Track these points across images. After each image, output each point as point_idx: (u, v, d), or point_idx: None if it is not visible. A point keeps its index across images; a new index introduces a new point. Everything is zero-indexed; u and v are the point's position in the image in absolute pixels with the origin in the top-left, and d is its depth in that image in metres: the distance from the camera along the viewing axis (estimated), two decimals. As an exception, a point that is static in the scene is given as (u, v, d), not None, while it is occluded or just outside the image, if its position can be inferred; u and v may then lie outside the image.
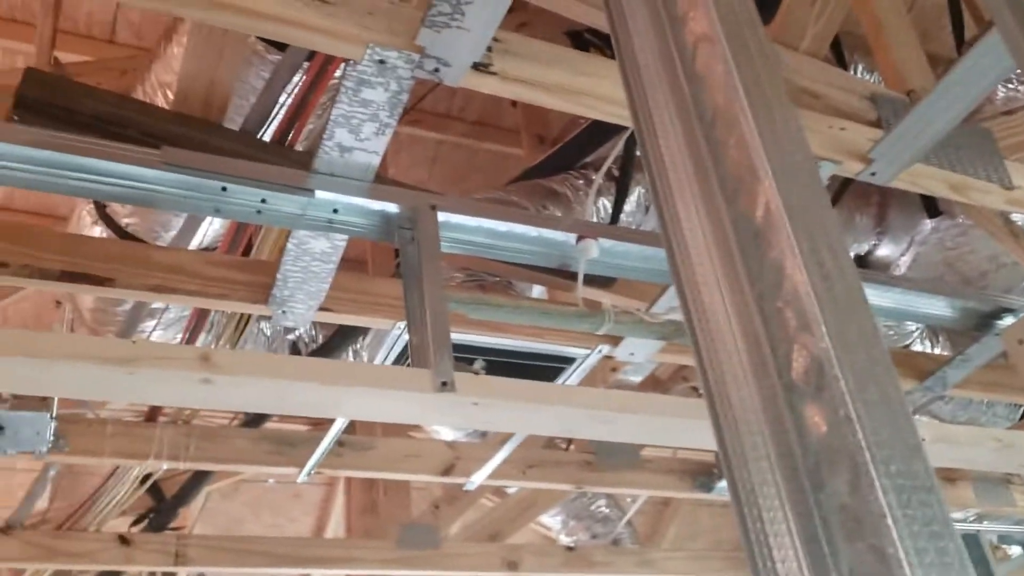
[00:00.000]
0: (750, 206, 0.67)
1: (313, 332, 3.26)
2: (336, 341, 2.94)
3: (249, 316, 2.42)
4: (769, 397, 0.64)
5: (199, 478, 3.35)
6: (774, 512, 0.62)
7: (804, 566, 0.61)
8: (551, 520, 4.15)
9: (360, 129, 1.66)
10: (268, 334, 3.22)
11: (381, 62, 1.54)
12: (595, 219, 2.79)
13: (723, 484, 3.22)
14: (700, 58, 0.73)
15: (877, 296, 2.22)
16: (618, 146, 2.59)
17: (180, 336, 2.72)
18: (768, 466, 0.63)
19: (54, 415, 2.20)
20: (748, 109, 0.68)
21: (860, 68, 3.33)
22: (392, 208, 1.81)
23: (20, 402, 2.14)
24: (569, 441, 3.19)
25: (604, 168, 2.36)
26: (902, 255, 3.35)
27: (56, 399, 2.20)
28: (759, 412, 0.64)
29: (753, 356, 0.66)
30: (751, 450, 0.64)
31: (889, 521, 0.56)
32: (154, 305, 2.62)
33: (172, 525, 3.49)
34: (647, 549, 3.93)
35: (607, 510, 4.14)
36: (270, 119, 2.11)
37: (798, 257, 0.63)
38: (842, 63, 3.16)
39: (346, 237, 1.88)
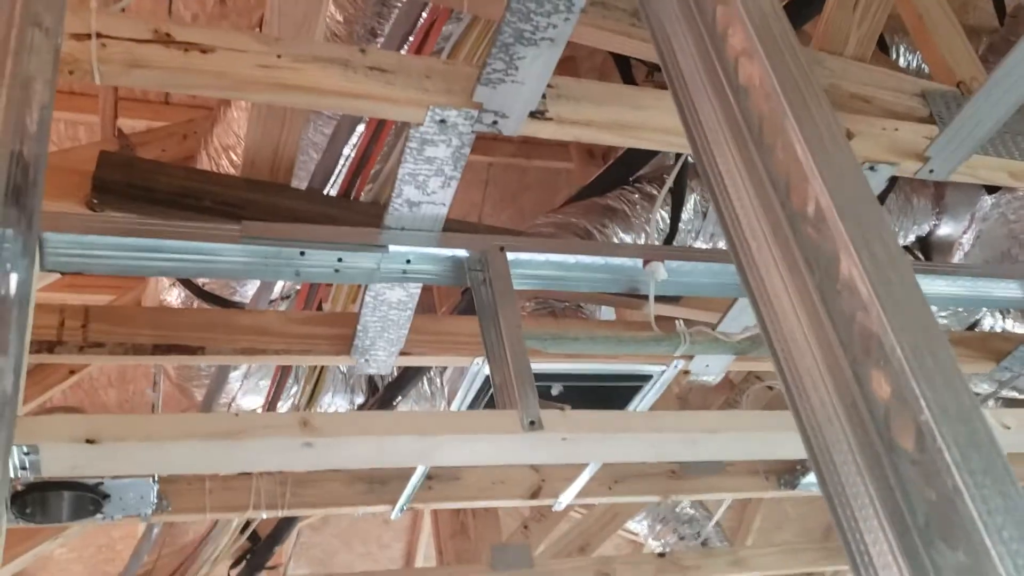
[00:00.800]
0: (832, 275, 0.70)
1: (387, 363, 3.32)
2: (411, 373, 3.01)
3: (329, 363, 2.49)
4: (873, 460, 0.67)
5: (291, 516, 3.44)
6: (888, 570, 0.65)
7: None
8: (637, 525, 4.18)
9: (426, 184, 1.72)
10: (344, 370, 3.30)
11: (442, 121, 1.59)
12: (655, 232, 2.82)
13: (807, 480, 3.23)
14: (767, 131, 0.77)
15: (947, 285, 2.22)
16: (672, 160, 2.62)
17: (267, 383, 2.81)
18: (878, 524, 0.66)
19: (156, 478, 2.29)
20: (820, 178, 0.71)
21: (903, 49, 3.33)
22: (462, 253, 1.86)
23: (122, 468, 2.23)
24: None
25: (667, 185, 2.39)
26: (964, 232, 3.33)
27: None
28: (864, 474, 0.68)
29: (852, 420, 0.69)
30: (860, 511, 0.68)
31: (1011, 591, 0.59)
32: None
33: (268, 564, 3.58)
34: (738, 548, 3.95)
35: (692, 511, 4.16)
36: (335, 174, 2.18)
37: (886, 324, 0.67)
38: (884, 48, 3.16)
39: (420, 285, 1.93)
